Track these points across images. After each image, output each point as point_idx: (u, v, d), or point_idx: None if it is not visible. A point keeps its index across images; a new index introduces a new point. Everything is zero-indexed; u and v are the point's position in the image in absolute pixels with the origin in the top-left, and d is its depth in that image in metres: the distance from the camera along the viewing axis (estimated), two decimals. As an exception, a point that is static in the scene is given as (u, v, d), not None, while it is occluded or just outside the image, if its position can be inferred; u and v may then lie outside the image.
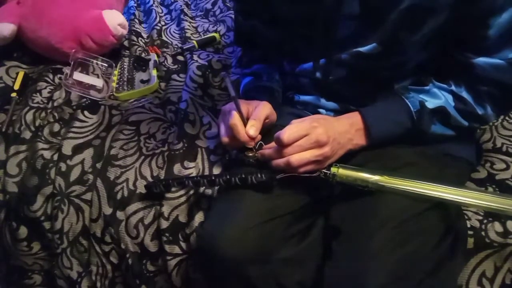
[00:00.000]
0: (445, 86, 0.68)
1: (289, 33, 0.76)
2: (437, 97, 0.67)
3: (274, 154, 0.67)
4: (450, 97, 0.68)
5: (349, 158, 0.70)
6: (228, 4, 1.40)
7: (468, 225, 0.69)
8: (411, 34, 0.64)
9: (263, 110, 0.72)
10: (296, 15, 0.72)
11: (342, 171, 0.66)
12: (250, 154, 0.71)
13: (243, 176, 0.68)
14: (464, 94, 0.67)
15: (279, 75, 0.86)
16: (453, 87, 0.68)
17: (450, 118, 0.68)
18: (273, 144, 0.67)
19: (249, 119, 0.70)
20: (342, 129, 0.67)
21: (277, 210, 0.68)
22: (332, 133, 0.65)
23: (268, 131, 0.77)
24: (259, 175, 0.68)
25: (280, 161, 0.66)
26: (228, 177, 0.70)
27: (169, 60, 1.18)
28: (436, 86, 0.68)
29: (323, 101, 0.79)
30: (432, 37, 0.65)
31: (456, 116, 0.68)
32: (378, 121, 0.68)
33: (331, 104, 0.78)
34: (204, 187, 0.80)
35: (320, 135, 0.64)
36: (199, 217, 0.79)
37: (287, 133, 0.63)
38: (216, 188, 0.80)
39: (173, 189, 0.79)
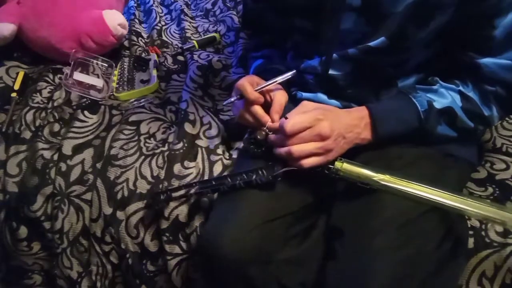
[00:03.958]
0: (453, 86, 0.68)
1: (294, 24, 0.76)
2: (444, 97, 0.67)
3: (277, 141, 0.67)
4: (457, 97, 0.67)
5: (352, 157, 0.70)
6: (228, 4, 1.40)
7: (468, 225, 0.69)
8: (418, 29, 0.64)
9: (283, 97, 0.74)
10: (299, 5, 0.72)
11: (346, 166, 0.65)
12: (263, 133, 0.71)
13: (246, 177, 0.68)
14: (471, 94, 0.67)
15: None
16: (460, 87, 0.67)
17: (457, 119, 0.67)
18: None
19: (273, 105, 0.72)
20: (350, 123, 0.66)
21: (279, 210, 0.68)
22: (337, 127, 0.64)
23: None
24: (260, 172, 0.68)
25: (281, 150, 0.66)
26: (230, 180, 0.70)
27: (169, 60, 1.18)
28: (443, 87, 0.68)
29: (325, 99, 0.78)
30: (438, 35, 0.65)
31: (462, 117, 0.67)
32: (385, 117, 0.67)
33: (334, 103, 0.78)
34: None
35: (323, 129, 0.63)
36: (199, 217, 0.79)
37: (291, 123, 0.63)
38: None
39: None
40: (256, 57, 0.89)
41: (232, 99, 0.75)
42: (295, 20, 0.75)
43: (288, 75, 0.72)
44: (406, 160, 0.69)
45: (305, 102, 0.68)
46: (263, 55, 0.88)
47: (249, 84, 0.73)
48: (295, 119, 0.64)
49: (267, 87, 0.73)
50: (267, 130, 0.71)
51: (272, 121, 0.71)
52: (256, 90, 0.73)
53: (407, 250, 0.59)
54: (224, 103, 0.86)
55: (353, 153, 0.70)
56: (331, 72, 0.74)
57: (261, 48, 0.90)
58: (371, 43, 0.67)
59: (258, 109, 0.73)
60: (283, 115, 0.77)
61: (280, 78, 0.72)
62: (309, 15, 0.72)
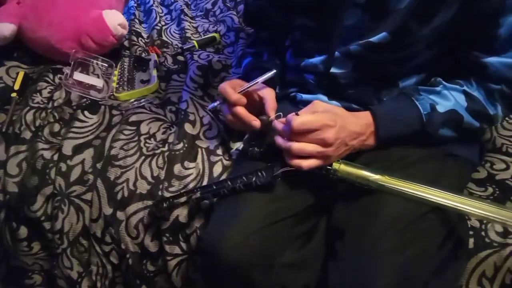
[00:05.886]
0: (456, 86, 0.67)
1: (294, 22, 0.75)
2: (447, 99, 0.67)
3: (281, 131, 0.67)
4: (462, 98, 0.67)
5: (354, 158, 0.70)
6: (228, 4, 1.40)
7: (468, 225, 0.69)
8: (421, 25, 0.64)
9: (272, 93, 0.75)
10: (301, 2, 0.72)
11: (344, 167, 0.65)
12: (265, 117, 0.72)
13: (245, 179, 0.68)
14: (476, 94, 0.67)
15: (279, 60, 0.86)
16: (465, 87, 0.67)
17: (460, 121, 0.67)
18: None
19: (267, 103, 0.72)
20: (357, 130, 0.66)
21: (280, 213, 0.68)
22: (342, 135, 0.64)
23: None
24: (259, 174, 0.68)
25: (282, 143, 0.66)
26: (230, 183, 0.70)
27: (169, 60, 1.18)
28: (446, 88, 0.68)
29: (326, 100, 0.78)
30: (441, 33, 0.65)
31: (467, 118, 0.67)
32: (387, 122, 0.67)
33: (334, 104, 0.78)
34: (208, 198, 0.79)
35: (329, 136, 0.63)
36: (199, 218, 0.79)
37: (299, 122, 0.63)
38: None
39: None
40: (248, 53, 0.89)
41: (216, 104, 0.77)
42: (296, 17, 0.75)
43: (269, 74, 0.72)
44: (407, 160, 0.69)
45: (317, 102, 0.67)
46: (254, 52, 0.88)
47: (231, 87, 0.73)
48: (305, 119, 0.63)
49: (251, 88, 0.74)
50: (271, 118, 0.71)
51: (268, 117, 0.72)
52: (239, 92, 0.73)
53: (410, 250, 0.59)
54: (208, 108, 0.87)
55: (355, 154, 0.70)
56: (332, 70, 0.74)
57: (255, 45, 0.90)
58: (373, 39, 0.67)
59: (240, 110, 0.73)
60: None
61: (261, 78, 0.72)
62: (310, 13, 0.72)
